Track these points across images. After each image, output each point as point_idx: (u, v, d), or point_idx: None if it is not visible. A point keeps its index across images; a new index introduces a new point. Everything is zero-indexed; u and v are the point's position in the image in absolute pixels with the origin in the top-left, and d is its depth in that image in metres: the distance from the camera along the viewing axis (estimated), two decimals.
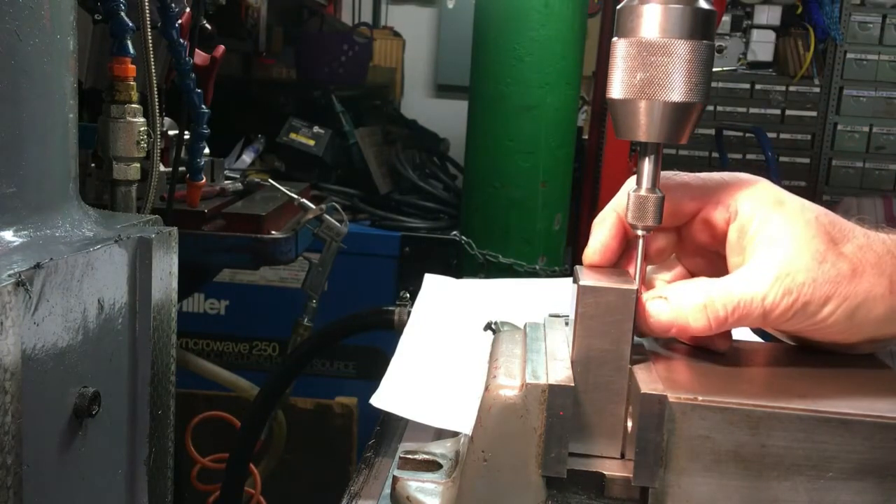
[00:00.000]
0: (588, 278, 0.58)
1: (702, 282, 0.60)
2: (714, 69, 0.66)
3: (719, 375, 0.59)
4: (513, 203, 2.64)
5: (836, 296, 0.57)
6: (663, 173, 0.62)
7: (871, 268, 0.58)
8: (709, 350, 0.63)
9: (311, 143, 3.27)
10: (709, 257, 0.66)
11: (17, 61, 0.71)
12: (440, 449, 0.64)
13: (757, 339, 0.88)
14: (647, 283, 0.65)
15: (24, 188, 0.73)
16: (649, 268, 0.67)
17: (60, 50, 0.78)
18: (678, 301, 0.59)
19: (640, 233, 0.60)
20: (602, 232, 0.64)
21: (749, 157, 5.04)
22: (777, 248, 0.58)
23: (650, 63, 0.56)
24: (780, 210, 0.59)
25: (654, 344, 0.63)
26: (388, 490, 0.65)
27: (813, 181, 5.01)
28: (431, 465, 0.63)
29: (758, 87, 5.06)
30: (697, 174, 0.64)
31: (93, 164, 1.32)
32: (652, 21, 0.56)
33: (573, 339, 0.57)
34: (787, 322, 0.59)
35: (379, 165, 3.35)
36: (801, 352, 0.65)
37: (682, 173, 0.64)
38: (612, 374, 0.56)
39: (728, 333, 0.63)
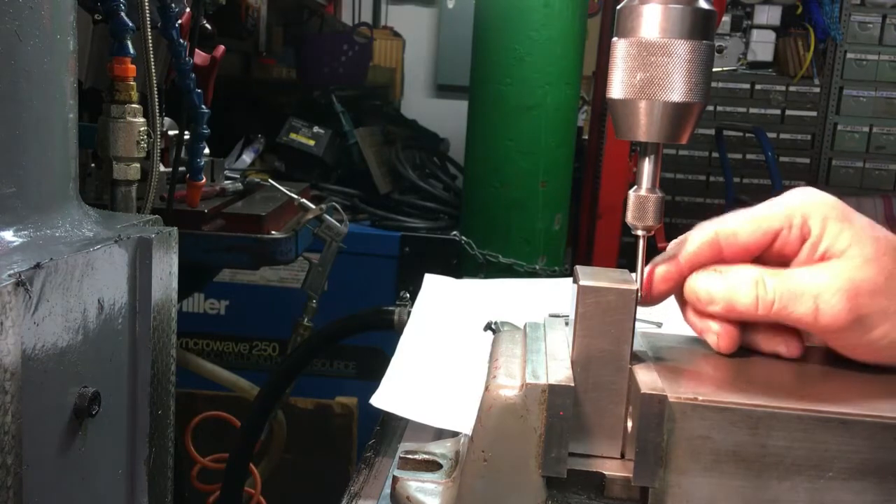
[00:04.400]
0: (588, 278, 0.58)
1: (759, 267, 0.59)
2: (714, 69, 0.65)
3: (719, 375, 0.59)
4: (513, 203, 2.64)
5: None
6: (721, 227, 0.60)
7: None
8: (710, 350, 0.62)
9: (311, 143, 3.27)
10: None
11: (17, 61, 0.71)
12: (440, 449, 0.64)
13: None
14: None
15: (24, 188, 0.73)
16: None
17: (60, 50, 0.78)
18: (732, 274, 0.59)
19: (639, 233, 0.60)
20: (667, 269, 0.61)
21: (749, 157, 5.04)
22: (846, 260, 0.57)
23: (650, 63, 0.56)
24: (850, 227, 0.58)
25: (654, 345, 0.63)
26: (388, 490, 0.65)
27: (813, 181, 5.01)
28: (431, 465, 0.62)
29: (758, 87, 5.06)
30: (751, 213, 0.61)
31: (93, 164, 1.32)
32: (652, 21, 0.56)
33: (573, 339, 0.57)
34: (840, 333, 0.57)
35: (379, 165, 3.35)
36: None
37: (734, 223, 0.60)
38: (612, 374, 0.56)
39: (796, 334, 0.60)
